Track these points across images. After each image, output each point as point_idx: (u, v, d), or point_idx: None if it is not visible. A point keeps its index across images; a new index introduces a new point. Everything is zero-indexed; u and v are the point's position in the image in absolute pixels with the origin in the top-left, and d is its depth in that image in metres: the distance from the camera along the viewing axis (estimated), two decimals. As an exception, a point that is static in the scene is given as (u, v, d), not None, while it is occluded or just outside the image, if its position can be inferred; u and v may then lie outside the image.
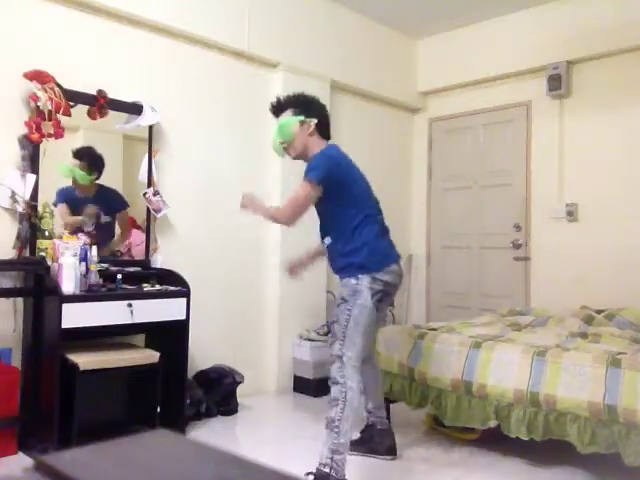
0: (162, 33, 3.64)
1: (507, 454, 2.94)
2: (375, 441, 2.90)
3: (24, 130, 2.99)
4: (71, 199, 3.27)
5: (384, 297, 2.60)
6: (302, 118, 2.63)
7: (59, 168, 3.18)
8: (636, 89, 4.15)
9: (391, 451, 2.89)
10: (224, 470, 0.70)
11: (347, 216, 2.58)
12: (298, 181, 2.60)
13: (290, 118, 2.65)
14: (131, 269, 3.31)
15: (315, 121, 2.64)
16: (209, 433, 3.24)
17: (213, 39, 3.85)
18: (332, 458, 2.42)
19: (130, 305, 2.91)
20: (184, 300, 3.16)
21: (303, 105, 2.68)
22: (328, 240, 2.66)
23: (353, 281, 2.53)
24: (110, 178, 3.46)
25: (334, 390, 2.51)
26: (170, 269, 3.38)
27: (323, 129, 2.69)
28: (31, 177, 3.01)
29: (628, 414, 2.40)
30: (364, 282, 2.52)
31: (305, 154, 2.66)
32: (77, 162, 3.25)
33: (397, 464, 2.83)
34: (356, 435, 2.81)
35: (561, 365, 2.64)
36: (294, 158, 2.73)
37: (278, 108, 2.73)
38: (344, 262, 2.59)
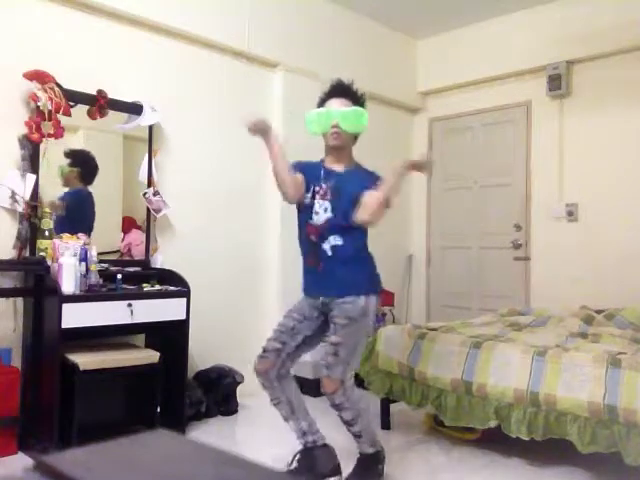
0: (162, 33, 3.64)
1: (507, 454, 2.94)
2: (320, 464, 2.54)
3: (24, 130, 2.99)
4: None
5: None
6: None
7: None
8: (636, 89, 4.15)
9: (336, 470, 2.56)
10: (224, 470, 0.70)
11: (363, 231, 2.53)
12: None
13: (366, 112, 2.54)
14: (131, 269, 3.31)
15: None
16: (209, 433, 3.24)
17: (213, 39, 3.85)
18: (374, 444, 2.53)
19: (130, 305, 2.91)
20: (184, 300, 3.16)
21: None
22: (337, 240, 2.46)
23: (363, 299, 2.43)
24: (110, 178, 3.46)
25: (346, 414, 2.45)
26: (170, 269, 3.38)
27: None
28: (31, 177, 3.01)
29: (628, 414, 2.40)
30: (372, 300, 2.46)
31: (344, 151, 2.55)
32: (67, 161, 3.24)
33: (397, 464, 2.83)
34: (294, 464, 2.55)
35: (561, 365, 2.64)
36: (332, 146, 2.52)
37: (351, 92, 2.56)
38: (349, 276, 2.46)
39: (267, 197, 4.18)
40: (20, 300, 3.02)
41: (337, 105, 2.51)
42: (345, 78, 2.61)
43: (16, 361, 2.96)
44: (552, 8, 4.48)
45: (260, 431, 3.34)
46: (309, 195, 2.53)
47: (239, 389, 3.67)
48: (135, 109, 3.43)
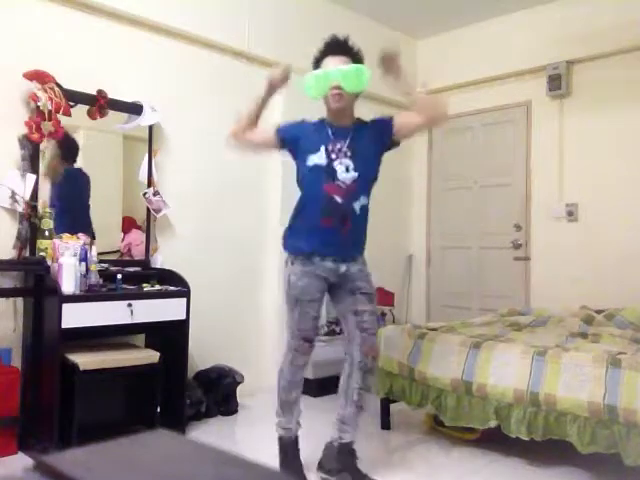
0: (162, 33, 3.64)
1: (507, 454, 2.94)
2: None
3: (24, 130, 2.99)
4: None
5: None
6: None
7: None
8: (636, 89, 4.15)
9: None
10: (224, 470, 0.70)
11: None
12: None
13: (367, 69, 2.43)
14: (131, 269, 3.31)
15: None
16: (209, 433, 3.24)
17: (213, 39, 3.85)
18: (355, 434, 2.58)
19: (130, 305, 2.91)
20: (184, 300, 3.16)
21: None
22: (365, 200, 2.42)
23: (369, 270, 2.54)
24: (110, 178, 3.46)
25: (372, 379, 2.60)
26: (170, 269, 3.38)
27: None
28: (31, 177, 3.01)
29: (628, 414, 2.40)
30: None
31: (346, 112, 2.47)
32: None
33: (397, 464, 2.83)
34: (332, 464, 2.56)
35: (561, 365, 2.64)
36: (334, 109, 2.44)
37: (348, 48, 2.45)
38: (363, 239, 2.52)
39: (267, 197, 4.19)
40: (20, 300, 3.02)
41: (335, 64, 2.41)
42: (340, 35, 2.49)
43: (16, 361, 2.96)
44: (552, 8, 4.48)
45: (260, 431, 3.34)
46: (321, 154, 2.43)
47: (239, 389, 3.67)
48: (135, 109, 3.43)
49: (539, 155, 4.64)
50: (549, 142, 4.56)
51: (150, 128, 3.51)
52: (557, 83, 4.42)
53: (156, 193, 3.52)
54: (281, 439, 2.59)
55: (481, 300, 4.91)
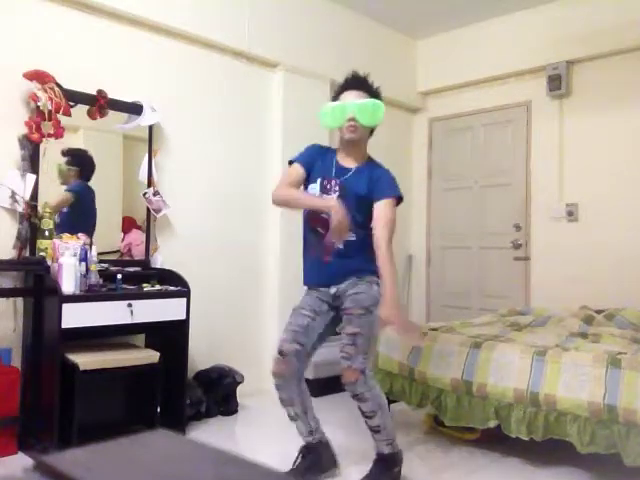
0: (162, 33, 3.64)
1: (507, 454, 2.94)
2: (325, 459, 2.61)
3: (24, 130, 3.00)
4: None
5: None
6: None
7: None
8: (636, 89, 4.15)
9: (335, 462, 2.66)
10: (224, 470, 0.70)
11: (370, 227, 2.52)
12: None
13: (382, 105, 2.50)
14: (131, 269, 3.31)
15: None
16: (209, 433, 3.24)
17: (213, 39, 3.85)
18: (391, 444, 2.52)
19: (130, 305, 2.91)
20: (184, 300, 3.16)
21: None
22: (350, 236, 2.43)
23: (375, 288, 2.45)
24: (110, 178, 3.46)
25: (366, 405, 2.43)
26: (170, 269, 3.38)
27: None
28: (31, 177, 3.01)
29: (628, 414, 2.40)
30: (381, 289, 2.45)
31: (359, 145, 2.53)
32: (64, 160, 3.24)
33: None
34: (301, 463, 2.57)
35: (561, 365, 2.64)
36: (347, 140, 2.49)
37: (366, 85, 2.52)
38: (361, 263, 2.48)
39: (267, 197, 4.15)
40: (20, 300, 3.02)
41: (352, 97, 2.48)
42: (361, 72, 2.57)
43: (16, 361, 2.96)
44: (552, 8, 4.47)
45: (260, 431, 3.34)
46: (316, 186, 2.50)
47: (239, 389, 3.67)
48: (135, 109, 3.43)
49: (539, 155, 4.64)
50: (549, 142, 4.56)
51: (150, 128, 3.51)
52: (557, 83, 4.42)
53: (156, 193, 3.52)
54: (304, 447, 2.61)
55: (481, 300, 4.91)
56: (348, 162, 2.55)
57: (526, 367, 2.73)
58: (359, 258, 2.48)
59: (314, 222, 2.50)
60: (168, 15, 3.61)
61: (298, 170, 2.55)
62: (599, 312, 3.67)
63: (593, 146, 4.34)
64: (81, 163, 3.31)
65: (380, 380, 3.24)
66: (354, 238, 2.46)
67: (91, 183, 3.35)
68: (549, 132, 4.56)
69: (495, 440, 2.98)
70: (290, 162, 2.61)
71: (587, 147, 4.37)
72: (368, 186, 2.49)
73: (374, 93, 2.53)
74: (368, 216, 2.50)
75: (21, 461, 2.70)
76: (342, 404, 3.32)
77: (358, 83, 2.53)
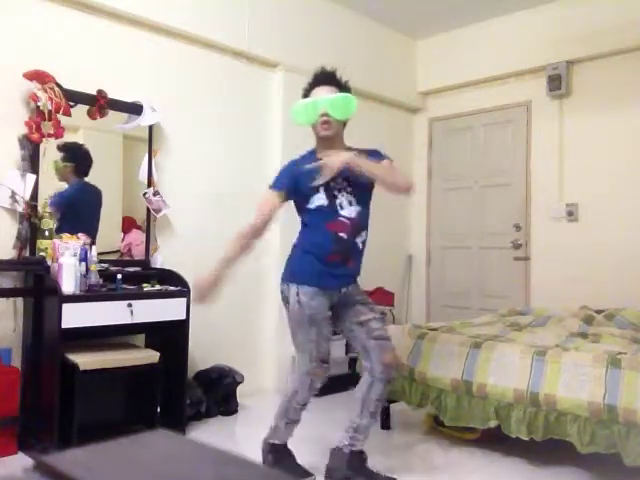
0: (162, 33, 3.64)
1: (507, 454, 2.94)
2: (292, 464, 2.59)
3: (24, 130, 2.99)
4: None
5: None
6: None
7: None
8: (636, 89, 4.15)
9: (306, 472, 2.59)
10: (224, 470, 0.70)
11: None
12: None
13: (354, 98, 2.50)
14: (131, 269, 3.31)
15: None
16: (209, 433, 3.24)
17: (213, 39, 3.85)
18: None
19: (130, 305, 2.91)
20: (184, 300, 3.16)
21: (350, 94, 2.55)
22: (366, 234, 2.51)
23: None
24: (110, 178, 3.46)
25: (389, 387, 2.58)
26: (170, 269, 3.38)
27: None
28: (31, 177, 3.01)
29: (628, 414, 2.40)
30: None
31: (335, 139, 2.50)
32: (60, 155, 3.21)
33: (397, 464, 2.82)
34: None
35: (561, 365, 2.64)
36: (322, 137, 2.48)
37: (336, 79, 2.52)
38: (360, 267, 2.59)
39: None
40: (20, 300, 3.02)
41: (324, 93, 2.47)
42: (328, 66, 2.56)
43: (16, 361, 2.96)
44: (552, 8, 4.47)
45: (260, 431, 3.33)
46: (321, 195, 2.45)
47: (239, 389, 3.67)
48: (135, 109, 3.43)
49: (539, 155, 4.64)
50: (549, 142, 4.56)
51: (150, 128, 3.51)
52: (557, 83, 4.42)
53: (156, 193, 3.52)
54: (274, 445, 2.59)
55: (481, 300, 4.91)
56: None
57: (526, 367, 2.73)
58: (359, 261, 2.57)
59: (334, 227, 2.44)
60: (168, 15, 3.61)
61: (274, 200, 2.49)
62: (599, 312, 3.67)
63: (593, 146, 4.34)
64: (76, 158, 3.26)
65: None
66: (366, 236, 2.53)
67: (91, 183, 3.34)
68: (549, 132, 4.56)
69: (495, 440, 2.98)
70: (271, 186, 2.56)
71: (587, 147, 4.37)
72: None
73: (344, 87, 2.53)
74: (368, 209, 2.56)
75: (21, 461, 2.70)
76: (342, 404, 3.33)
77: (327, 78, 2.52)
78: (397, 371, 2.48)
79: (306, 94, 2.55)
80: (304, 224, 2.57)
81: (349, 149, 2.54)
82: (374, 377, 2.49)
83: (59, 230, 3.07)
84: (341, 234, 2.44)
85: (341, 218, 2.44)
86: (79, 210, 3.36)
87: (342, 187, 2.46)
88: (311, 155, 2.54)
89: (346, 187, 2.46)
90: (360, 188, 2.48)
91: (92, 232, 3.22)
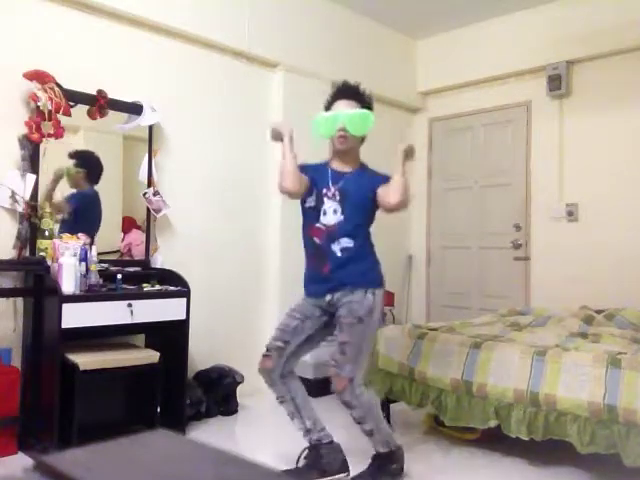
0: (162, 33, 3.64)
1: (507, 454, 2.94)
2: (324, 461, 2.54)
3: (24, 130, 2.99)
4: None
5: None
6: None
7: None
8: (636, 89, 4.15)
9: (344, 467, 2.57)
10: (224, 470, 0.70)
11: (369, 230, 2.58)
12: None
13: (371, 114, 2.56)
14: (131, 269, 3.31)
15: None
16: (209, 433, 3.24)
17: (213, 39, 3.85)
18: (387, 443, 2.54)
19: (130, 305, 2.91)
20: (184, 300, 3.16)
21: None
22: (348, 242, 2.48)
23: (370, 297, 2.46)
24: (110, 178, 3.46)
25: (355, 412, 2.46)
26: (170, 269, 3.38)
27: None
28: (31, 177, 3.01)
29: (628, 414, 2.40)
30: (379, 297, 2.50)
31: (350, 153, 2.57)
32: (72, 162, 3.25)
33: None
34: (301, 462, 2.58)
35: (561, 365, 2.64)
36: (338, 150, 2.55)
37: (360, 95, 2.58)
38: (358, 272, 2.49)
39: (267, 197, 4.18)
40: (20, 300, 3.02)
41: (344, 107, 2.52)
42: (352, 80, 2.61)
43: (16, 361, 2.96)
44: (552, 8, 4.47)
45: (260, 431, 3.34)
46: (313, 198, 2.54)
47: (239, 389, 3.67)
48: (135, 109, 3.43)
49: (539, 155, 4.64)
50: (549, 142, 4.56)
51: (150, 128, 3.51)
52: (557, 83, 4.42)
53: (156, 193, 3.52)
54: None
55: (481, 300, 4.91)
56: (343, 168, 2.58)
57: (526, 367, 2.73)
58: (355, 269, 2.49)
59: (311, 232, 2.55)
60: (168, 15, 3.61)
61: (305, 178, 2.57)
62: (599, 312, 3.67)
63: (593, 146, 4.34)
64: (88, 165, 3.32)
65: (380, 380, 3.24)
66: (351, 244, 2.49)
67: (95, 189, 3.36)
68: (549, 132, 4.56)
69: (495, 440, 2.98)
70: None
71: (587, 147, 4.37)
72: (368, 183, 2.53)
73: (365, 102, 2.58)
74: (367, 218, 2.56)
75: (21, 461, 2.70)
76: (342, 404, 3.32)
77: (349, 92, 2.57)
78: (345, 396, 2.43)
79: (328, 107, 2.59)
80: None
81: (361, 165, 2.63)
82: None
83: (65, 227, 3.11)
84: (315, 239, 2.53)
85: (318, 225, 2.51)
86: (87, 215, 3.39)
87: (332, 195, 2.51)
88: (325, 167, 2.61)
89: (336, 196, 2.51)
90: (353, 203, 2.50)
91: (93, 234, 3.24)
